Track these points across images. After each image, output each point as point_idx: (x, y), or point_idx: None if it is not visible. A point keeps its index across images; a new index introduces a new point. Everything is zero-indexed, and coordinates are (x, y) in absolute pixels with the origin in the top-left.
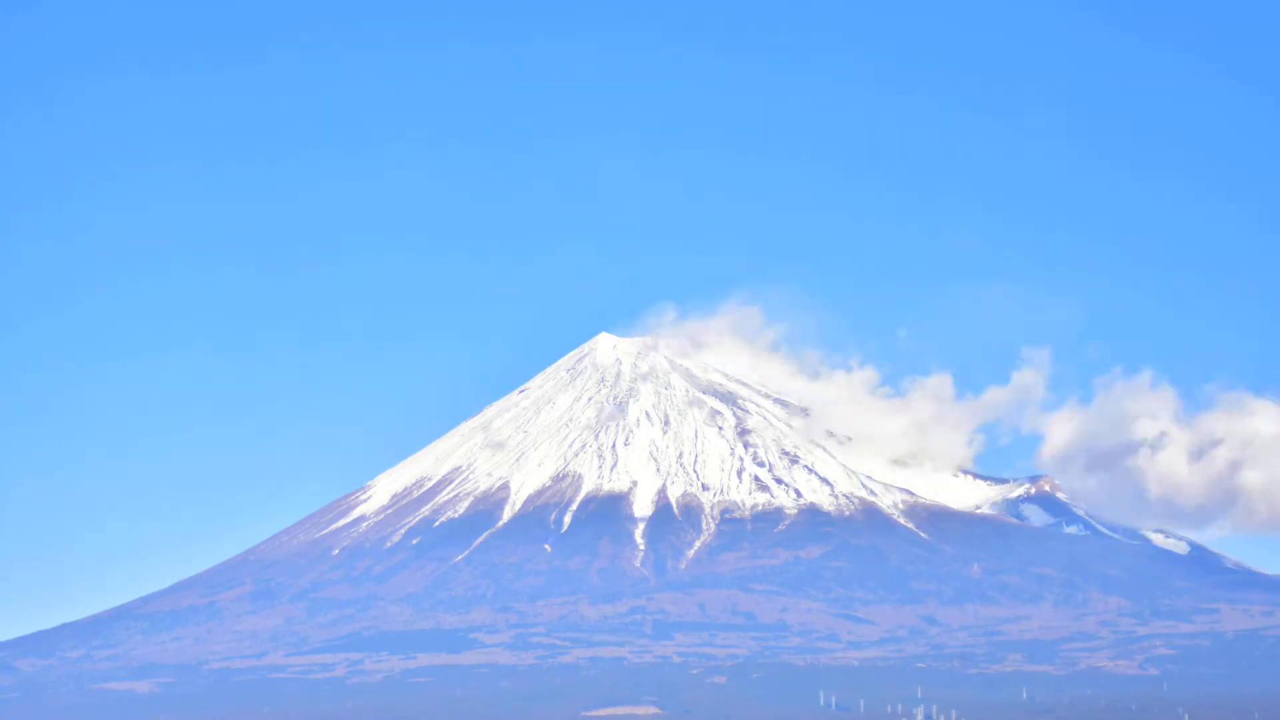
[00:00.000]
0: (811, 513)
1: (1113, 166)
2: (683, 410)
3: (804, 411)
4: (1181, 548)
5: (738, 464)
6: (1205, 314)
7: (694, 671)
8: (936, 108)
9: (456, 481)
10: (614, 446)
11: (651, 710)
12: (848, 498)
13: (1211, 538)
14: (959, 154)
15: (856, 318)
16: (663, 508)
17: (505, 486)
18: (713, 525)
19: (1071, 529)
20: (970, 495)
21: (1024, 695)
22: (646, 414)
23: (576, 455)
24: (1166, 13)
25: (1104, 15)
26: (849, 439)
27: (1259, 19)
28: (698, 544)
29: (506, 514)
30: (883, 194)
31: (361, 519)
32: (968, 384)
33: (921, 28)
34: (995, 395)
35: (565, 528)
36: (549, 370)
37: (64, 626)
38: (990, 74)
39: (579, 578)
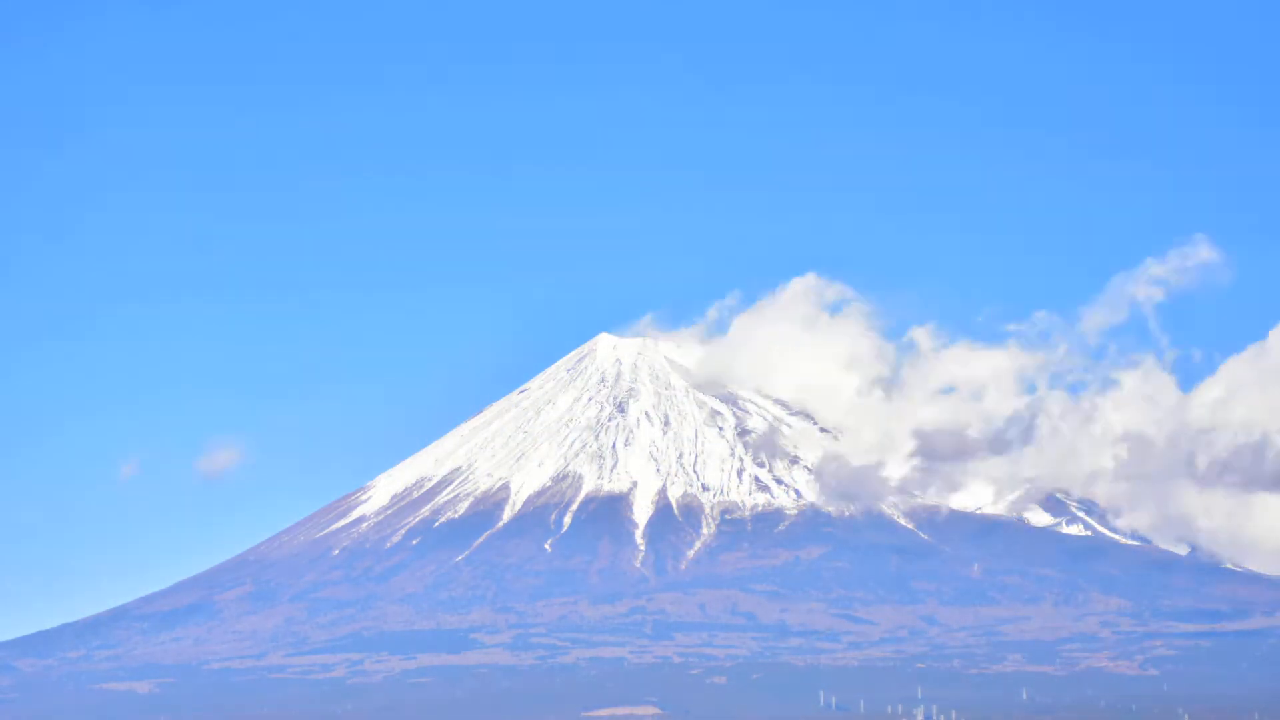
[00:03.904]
0: (811, 513)
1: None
2: (683, 410)
3: (805, 414)
4: (1181, 548)
5: (738, 464)
6: None
7: (694, 672)
8: (933, 122)
9: (456, 482)
10: (614, 447)
11: (652, 711)
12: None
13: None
14: (953, 164)
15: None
16: (663, 508)
17: (505, 487)
18: (713, 525)
19: (1071, 529)
20: (971, 495)
21: (1024, 695)
22: (646, 414)
23: (576, 455)
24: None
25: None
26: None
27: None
28: (698, 544)
29: (506, 514)
30: (884, 195)
31: (361, 519)
32: None
33: (916, 43)
34: None
35: (565, 528)
36: (549, 370)
37: (64, 626)
38: (984, 89)
39: (579, 578)
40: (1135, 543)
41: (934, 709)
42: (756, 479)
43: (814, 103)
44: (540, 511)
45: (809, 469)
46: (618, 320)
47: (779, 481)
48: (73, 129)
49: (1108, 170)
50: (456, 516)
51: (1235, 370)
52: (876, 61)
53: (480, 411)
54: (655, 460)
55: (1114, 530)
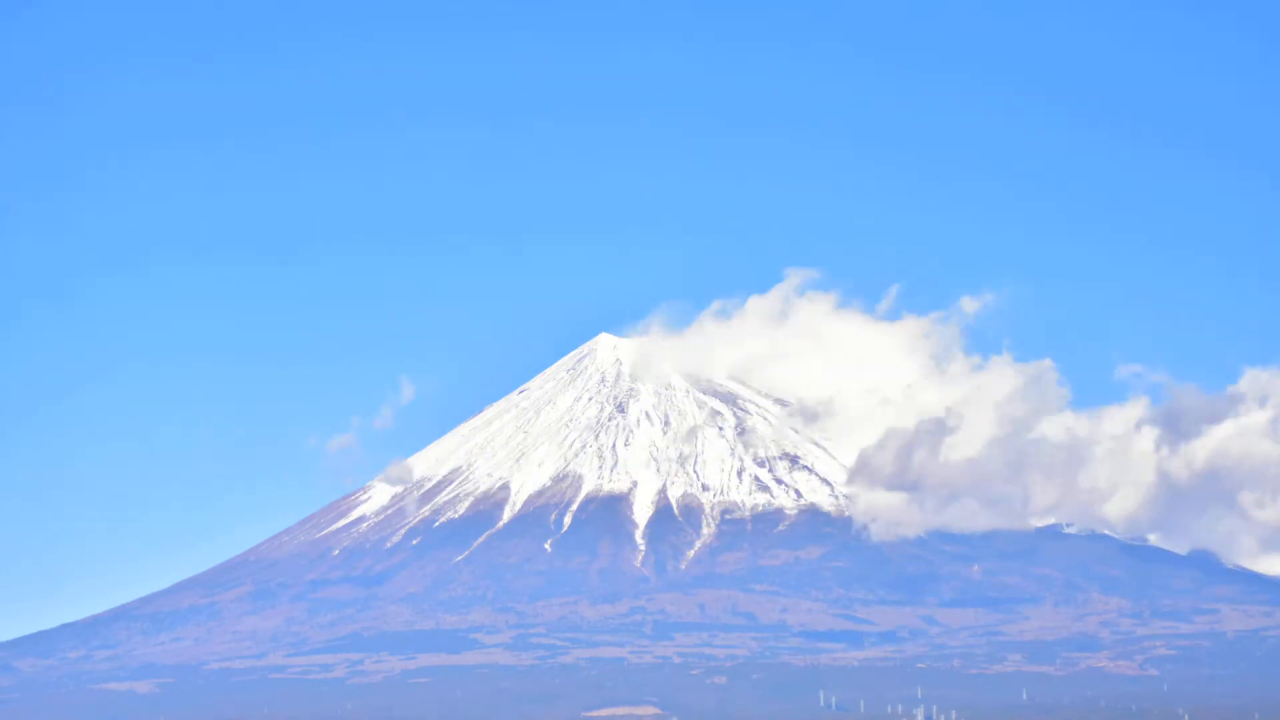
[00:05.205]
0: (811, 513)
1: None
2: (683, 410)
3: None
4: (1181, 548)
5: (738, 464)
6: None
7: (694, 672)
8: (939, 96)
9: (456, 482)
10: (614, 447)
11: (652, 711)
12: (848, 498)
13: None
14: (961, 143)
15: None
16: (663, 508)
17: (505, 487)
18: (713, 525)
19: (1071, 529)
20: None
21: (1024, 696)
22: (646, 414)
23: (576, 455)
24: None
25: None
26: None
27: None
28: (698, 544)
29: (506, 514)
30: (887, 190)
31: (361, 519)
32: None
33: (926, 19)
34: None
35: (565, 528)
36: (549, 370)
37: (64, 626)
38: (998, 62)
39: (579, 578)
40: (1135, 543)
41: (934, 709)
42: (756, 479)
43: (813, 100)
44: (540, 511)
45: (808, 468)
46: (618, 320)
47: (779, 481)
48: (69, 107)
49: None
50: (456, 516)
51: None
52: (875, 58)
53: (480, 411)
54: (655, 460)
55: (1114, 530)
